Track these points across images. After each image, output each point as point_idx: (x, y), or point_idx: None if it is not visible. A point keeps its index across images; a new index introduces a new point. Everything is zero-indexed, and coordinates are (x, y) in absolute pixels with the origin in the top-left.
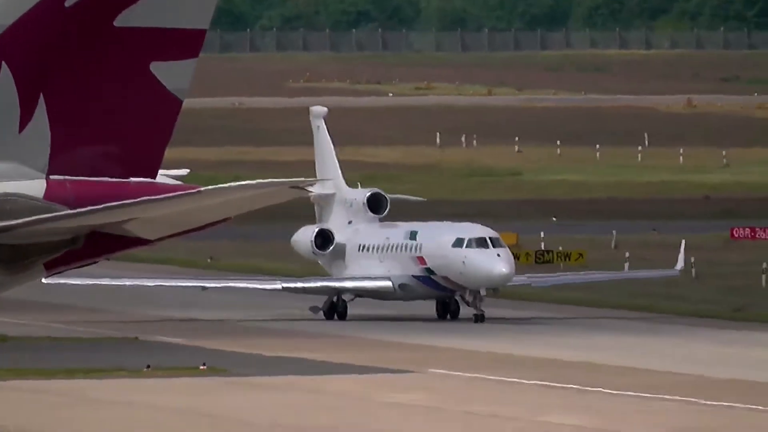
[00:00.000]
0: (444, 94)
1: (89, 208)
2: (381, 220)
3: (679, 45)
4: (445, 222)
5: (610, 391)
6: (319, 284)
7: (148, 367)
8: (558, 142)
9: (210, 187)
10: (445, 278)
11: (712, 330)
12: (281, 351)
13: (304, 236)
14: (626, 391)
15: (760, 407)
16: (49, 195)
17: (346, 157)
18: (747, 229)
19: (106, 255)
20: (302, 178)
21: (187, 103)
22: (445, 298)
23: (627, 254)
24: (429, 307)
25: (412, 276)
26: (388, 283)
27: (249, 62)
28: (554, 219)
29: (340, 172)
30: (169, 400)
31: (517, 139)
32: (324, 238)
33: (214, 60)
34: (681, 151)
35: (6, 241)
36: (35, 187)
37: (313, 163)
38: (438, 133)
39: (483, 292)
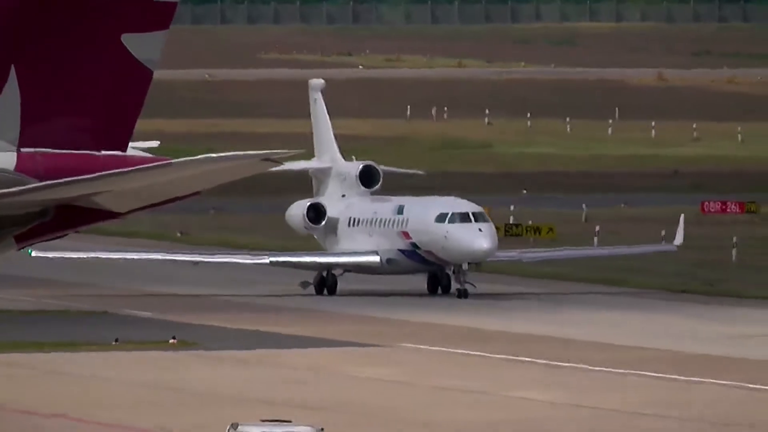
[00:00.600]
0: (414, 66)
1: (59, 181)
2: (374, 193)
3: (649, 18)
4: (432, 197)
5: (580, 365)
6: (306, 259)
7: (116, 340)
8: (528, 115)
9: (180, 159)
10: (429, 252)
11: (684, 304)
12: (255, 325)
13: (297, 210)
14: (597, 366)
15: (730, 382)
16: (19, 167)
17: None
18: (717, 203)
19: (76, 228)
20: (274, 151)
21: (158, 74)
22: (435, 273)
23: (597, 228)
24: (421, 282)
25: (399, 250)
26: (376, 258)
27: (219, 34)
28: (525, 192)
29: (335, 145)
30: (138, 373)
31: (487, 111)
32: (317, 212)
33: (184, 32)
34: (652, 124)
35: None
36: (6, 159)
37: (284, 134)
38: (408, 106)
39: (465, 267)
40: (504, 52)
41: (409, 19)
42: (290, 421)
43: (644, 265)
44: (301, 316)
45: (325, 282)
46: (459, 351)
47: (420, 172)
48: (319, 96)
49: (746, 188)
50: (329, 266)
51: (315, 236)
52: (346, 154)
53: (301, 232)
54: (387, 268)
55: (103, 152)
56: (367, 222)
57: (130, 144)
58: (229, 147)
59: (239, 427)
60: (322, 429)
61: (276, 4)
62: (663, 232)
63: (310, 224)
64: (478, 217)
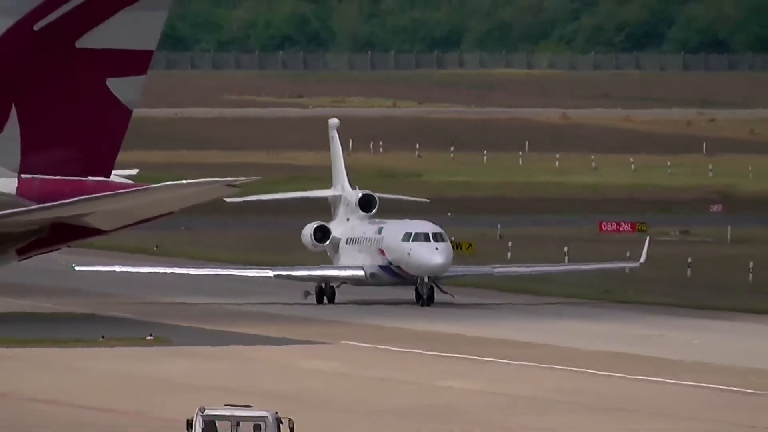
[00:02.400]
0: (355, 106)
1: (54, 203)
2: (372, 217)
3: (555, 66)
4: (406, 220)
5: (498, 360)
6: (305, 273)
7: (103, 337)
8: (452, 148)
9: (156, 184)
10: (399, 267)
11: (584, 308)
12: (223, 326)
13: (307, 231)
14: (512, 360)
15: (626, 375)
16: (20, 191)
17: (273, 161)
18: (613, 223)
19: (68, 243)
20: (234, 178)
21: (137, 112)
22: (413, 285)
23: (510, 244)
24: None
25: (378, 266)
26: (361, 272)
27: (189, 78)
28: (449, 214)
29: (345, 175)
30: (118, 366)
31: (417, 145)
32: (323, 233)
33: (159, 76)
34: (556, 156)
35: None
36: (8, 184)
37: (244, 164)
38: (350, 140)
39: (426, 280)
40: (432, 95)
41: (352, 66)
42: (250, 406)
43: (551, 276)
44: (271, 321)
45: (324, 292)
46: (392, 348)
47: (424, 199)
48: (335, 134)
49: (638, 211)
50: (324, 279)
51: (328, 253)
52: (302, 181)
53: (311, 249)
54: (370, 281)
55: (90, 178)
56: (358, 241)
57: (113, 171)
58: (196, 175)
59: (206, 410)
60: (277, 412)
61: (237, 53)
62: (566, 249)
63: (317, 243)
64: (437, 236)
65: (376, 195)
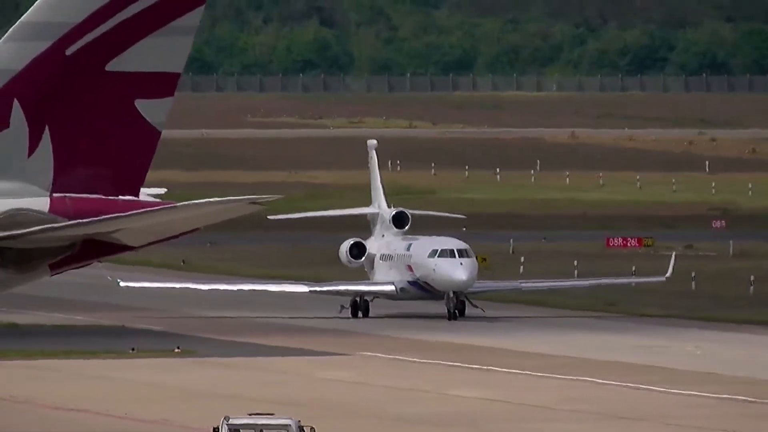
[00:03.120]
0: (373, 127)
1: (85, 220)
2: (405, 233)
3: (563, 88)
4: (434, 236)
5: (507, 370)
6: (339, 288)
7: (133, 349)
8: (466, 167)
9: (183, 203)
10: (426, 283)
11: (590, 320)
12: (249, 339)
13: (344, 247)
14: (522, 370)
15: (630, 384)
16: (52, 209)
17: (295, 179)
18: (620, 239)
19: (98, 258)
20: (258, 196)
21: (165, 133)
22: (441, 300)
23: (522, 259)
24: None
25: (408, 281)
26: (392, 288)
27: (214, 101)
28: (464, 229)
29: (382, 193)
30: (148, 375)
31: (432, 164)
32: (359, 249)
33: (186, 98)
34: (566, 174)
35: (18, 246)
36: (41, 202)
37: (266, 183)
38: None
39: (452, 295)
40: (446, 116)
41: (370, 89)
42: (273, 414)
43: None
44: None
45: (358, 306)
46: (407, 359)
47: (461, 216)
48: (374, 153)
49: (644, 226)
50: (357, 294)
51: (365, 269)
52: (320, 199)
53: (348, 265)
54: (401, 295)
55: (120, 197)
56: (391, 257)
57: (142, 190)
58: (221, 193)
59: (230, 419)
60: (299, 420)
61: (261, 76)
62: (576, 263)
63: (352, 259)
64: (462, 253)
65: (410, 212)
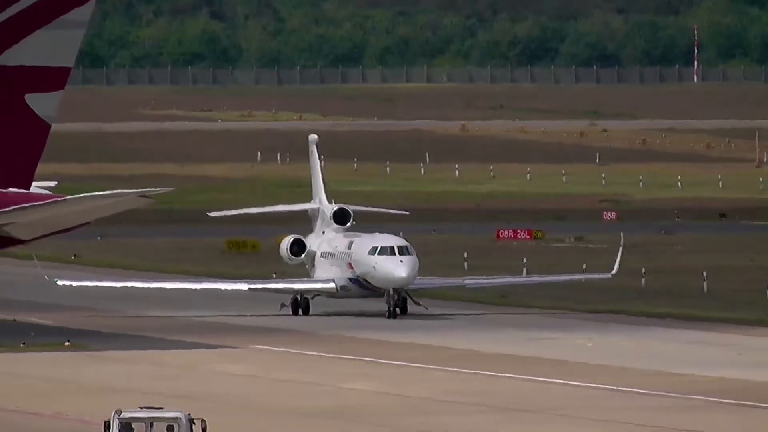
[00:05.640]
0: (263, 120)
1: None
2: (347, 230)
3: (454, 79)
4: (375, 234)
5: (395, 362)
6: (279, 285)
7: (24, 343)
8: (355, 159)
9: (73, 196)
10: (366, 280)
11: (480, 311)
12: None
13: (284, 244)
14: (409, 362)
15: (520, 376)
16: None
17: (184, 172)
18: (510, 230)
19: None
20: (147, 189)
21: (55, 127)
22: (381, 297)
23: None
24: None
25: (348, 279)
26: (332, 285)
27: (105, 93)
28: (354, 222)
29: (323, 189)
30: (40, 370)
31: (322, 157)
32: (299, 246)
33: (77, 91)
34: (456, 166)
35: None
36: None
37: (157, 175)
38: (258, 152)
39: (392, 292)
40: (336, 108)
41: (259, 81)
42: (163, 408)
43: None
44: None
45: (299, 304)
46: (297, 351)
47: (404, 212)
48: (314, 148)
49: (535, 218)
50: (297, 291)
51: (306, 266)
52: (211, 192)
53: (288, 262)
54: (341, 293)
55: (11, 190)
56: (331, 254)
57: (33, 183)
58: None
59: (122, 413)
60: (189, 414)
61: (150, 69)
62: (465, 255)
63: (292, 256)
64: (401, 250)
65: (351, 208)
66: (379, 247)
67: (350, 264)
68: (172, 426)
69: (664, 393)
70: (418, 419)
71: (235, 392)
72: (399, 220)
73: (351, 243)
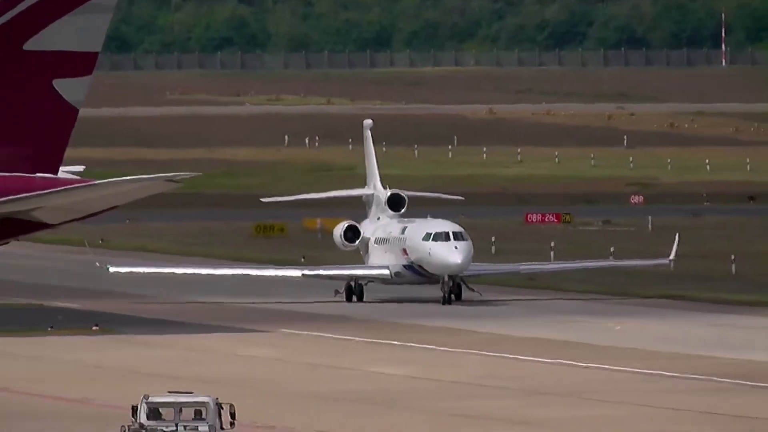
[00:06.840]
0: (291, 104)
1: (5, 199)
2: (402, 216)
3: (481, 63)
4: (429, 219)
5: (427, 346)
6: (333, 272)
7: (51, 327)
8: (384, 143)
9: (101, 180)
10: (420, 267)
11: (510, 295)
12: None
13: (338, 231)
14: (440, 347)
15: (547, 360)
16: None
17: (211, 156)
18: (538, 214)
19: (17, 237)
20: (175, 173)
21: (83, 112)
22: (437, 284)
23: None
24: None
25: (403, 265)
26: (386, 272)
27: (133, 78)
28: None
29: (377, 175)
30: (69, 354)
31: (350, 140)
32: (353, 232)
33: (105, 77)
34: (484, 150)
35: None
36: None
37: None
38: (286, 136)
39: (447, 278)
40: (364, 92)
41: (287, 66)
42: (192, 392)
43: None
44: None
45: (352, 290)
46: (327, 335)
47: (459, 197)
48: (368, 134)
49: (562, 202)
50: (351, 278)
51: (361, 252)
52: (238, 177)
53: (342, 248)
54: (395, 280)
55: (38, 175)
56: (386, 241)
57: (61, 168)
58: (140, 171)
59: (150, 397)
60: (217, 398)
61: (178, 54)
62: (493, 238)
63: (347, 243)
64: (456, 236)
65: (405, 193)
66: (433, 233)
67: (404, 250)
68: (201, 410)
69: (691, 376)
70: (449, 404)
71: (264, 376)
72: (425, 203)
73: (405, 229)
